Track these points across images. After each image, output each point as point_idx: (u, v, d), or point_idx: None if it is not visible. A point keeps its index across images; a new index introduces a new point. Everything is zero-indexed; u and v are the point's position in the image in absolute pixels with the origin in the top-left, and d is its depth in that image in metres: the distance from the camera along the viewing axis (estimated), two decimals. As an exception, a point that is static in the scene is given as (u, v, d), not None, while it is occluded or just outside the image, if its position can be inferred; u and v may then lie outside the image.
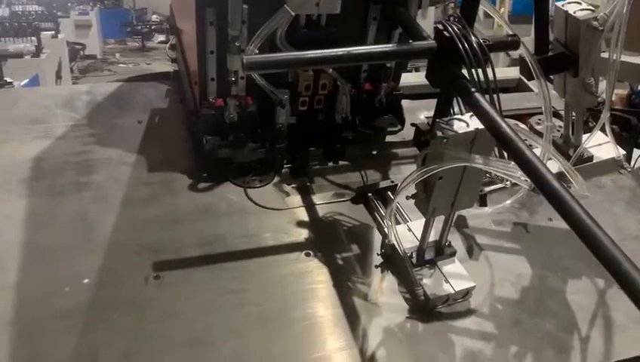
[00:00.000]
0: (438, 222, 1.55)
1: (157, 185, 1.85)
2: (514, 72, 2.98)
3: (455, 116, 1.34)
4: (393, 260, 1.63)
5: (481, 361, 1.42)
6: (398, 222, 1.68)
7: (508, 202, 1.74)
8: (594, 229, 0.90)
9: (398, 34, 1.84)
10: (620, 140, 2.31)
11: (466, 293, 1.56)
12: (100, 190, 1.82)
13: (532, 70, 1.47)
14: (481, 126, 1.25)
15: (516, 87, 2.97)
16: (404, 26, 1.69)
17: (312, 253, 1.66)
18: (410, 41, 1.52)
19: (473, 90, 1.23)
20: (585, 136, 1.95)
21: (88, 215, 1.72)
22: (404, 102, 2.14)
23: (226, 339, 1.40)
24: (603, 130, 1.88)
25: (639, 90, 3.19)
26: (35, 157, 1.93)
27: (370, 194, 1.86)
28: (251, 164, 1.92)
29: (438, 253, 1.60)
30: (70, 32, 9.10)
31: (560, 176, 1.10)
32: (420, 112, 2.28)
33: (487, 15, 1.71)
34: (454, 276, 1.56)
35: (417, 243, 1.59)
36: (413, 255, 1.58)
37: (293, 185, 1.93)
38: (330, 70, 1.84)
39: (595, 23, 1.67)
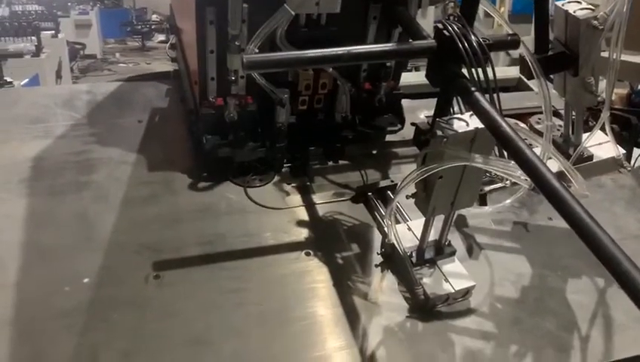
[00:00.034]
0: (438, 221, 1.55)
1: (157, 185, 1.85)
2: (514, 72, 2.98)
3: (455, 115, 1.34)
4: (393, 259, 1.63)
5: (481, 360, 1.42)
6: (398, 222, 1.68)
7: (508, 201, 1.74)
8: (594, 228, 0.90)
9: (398, 33, 1.84)
10: (619, 139, 2.31)
11: (466, 293, 1.56)
12: (100, 189, 1.82)
13: (532, 69, 1.47)
14: (481, 125, 1.25)
15: (516, 86, 2.97)
16: (404, 25, 1.69)
17: (312, 253, 1.66)
18: (410, 40, 1.52)
19: (473, 89, 1.23)
20: (585, 136, 1.94)
21: (88, 214, 1.72)
22: (404, 102, 2.14)
23: (226, 339, 1.41)
24: (603, 129, 1.88)
25: (639, 89, 3.19)
26: (35, 156, 1.93)
27: (370, 194, 1.86)
28: (251, 164, 1.92)
29: (437, 252, 1.60)
30: (70, 32, 9.09)
31: (560, 176, 1.10)
32: (420, 112, 2.28)
33: (487, 14, 1.71)
34: (454, 275, 1.56)
35: (417, 242, 1.59)
36: (413, 254, 1.58)
37: (293, 185, 1.93)
38: (330, 69, 1.84)
39: (595, 22, 1.67)
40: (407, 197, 1.46)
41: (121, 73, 8.35)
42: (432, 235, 1.58)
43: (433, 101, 1.41)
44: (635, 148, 2.70)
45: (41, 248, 1.59)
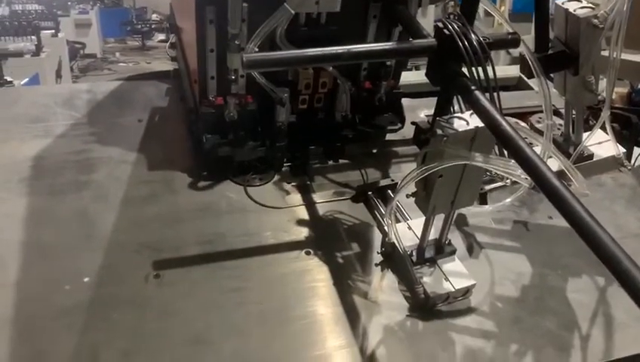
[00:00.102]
0: (438, 220, 1.54)
1: (157, 184, 1.85)
2: (514, 70, 2.97)
3: (455, 114, 1.34)
4: (393, 258, 1.63)
5: (482, 359, 1.42)
6: (398, 221, 1.68)
7: (508, 200, 1.74)
8: (594, 227, 0.90)
9: (398, 32, 1.84)
10: (620, 138, 2.31)
11: (466, 292, 1.56)
12: (100, 189, 1.82)
13: (532, 68, 1.47)
14: (481, 124, 1.25)
15: (516, 85, 2.97)
16: (404, 24, 1.69)
17: (312, 252, 1.66)
18: (410, 39, 1.52)
19: (473, 88, 1.23)
20: (585, 135, 1.94)
21: (88, 213, 1.72)
22: (405, 101, 2.14)
23: (227, 338, 1.41)
24: (603, 128, 1.88)
25: (639, 88, 3.19)
26: (35, 155, 1.93)
27: (370, 193, 1.86)
28: (251, 163, 1.92)
29: (438, 251, 1.60)
30: (70, 31, 9.08)
31: (560, 174, 1.10)
32: (420, 111, 2.28)
33: (487, 13, 1.71)
34: (454, 274, 1.56)
35: (417, 241, 1.59)
36: (414, 253, 1.58)
37: (293, 184, 1.93)
38: (330, 68, 1.84)
39: (596, 20, 1.67)
40: (408, 196, 1.46)
41: (121, 72, 8.34)
42: (433, 234, 1.58)
43: (433, 100, 1.41)
44: (635, 147, 2.70)
45: (41, 247, 1.59)
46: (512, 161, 1.17)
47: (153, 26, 11.57)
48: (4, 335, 1.35)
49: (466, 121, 1.30)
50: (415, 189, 1.44)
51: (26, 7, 8.42)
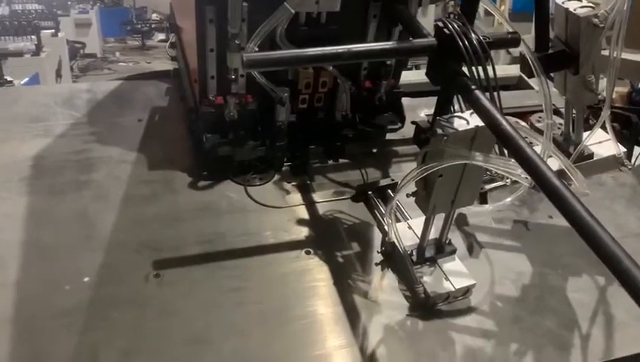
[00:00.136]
0: (439, 219, 1.54)
1: (157, 184, 1.85)
2: (514, 70, 2.98)
3: (455, 114, 1.34)
4: (393, 258, 1.63)
5: (482, 359, 1.42)
6: (398, 220, 1.68)
7: (508, 200, 1.73)
8: (594, 227, 0.90)
9: (399, 31, 1.84)
10: (620, 138, 2.31)
11: (467, 291, 1.56)
12: (100, 188, 1.82)
13: (532, 68, 1.47)
14: (481, 123, 1.24)
15: (517, 84, 2.97)
16: (405, 23, 1.69)
17: (312, 251, 1.66)
18: (411, 38, 1.52)
19: (473, 87, 1.23)
20: (585, 134, 1.94)
21: (88, 213, 1.72)
22: (405, 100, 2.14)
23: (227, 338, 1.40)
24: (603, 127, 1.88)
25: (639, 87, 3.19)
26: (35, 155, 1.93)
27: (370, 192, 1.86)
28: (251, 162, 1.92)
29: (438, 250, 1.60)
30: (70, 31, 9.09)
31: (560, 174, 1.10)
32: (421, 110, 2.28)
33: (487, 13, 1.71)
34: (454, 274, 1.56)
35: (417, 240, 1.59)
36: (414, 253, 1.58)
37: (293, 183, 1.93)
38: (331, 68, 1.84)
39: (596, 20, 1.67)
40: (408, 195, 1.46)
41: (121, 72, 8.35)
42: (433, 234, 1.58)
43: (433, 99, 1.41)
44: (635, 147, 2.71)
45: (41, 247, 1.59)
46: (512, 160, 1.17)
47: (153, 26, 11.58)
48: (4, 335, 1.35)
49: (466, 120, 1.30)
50: (415, 189, 1.43)
51: (26, 7, 8.43)
